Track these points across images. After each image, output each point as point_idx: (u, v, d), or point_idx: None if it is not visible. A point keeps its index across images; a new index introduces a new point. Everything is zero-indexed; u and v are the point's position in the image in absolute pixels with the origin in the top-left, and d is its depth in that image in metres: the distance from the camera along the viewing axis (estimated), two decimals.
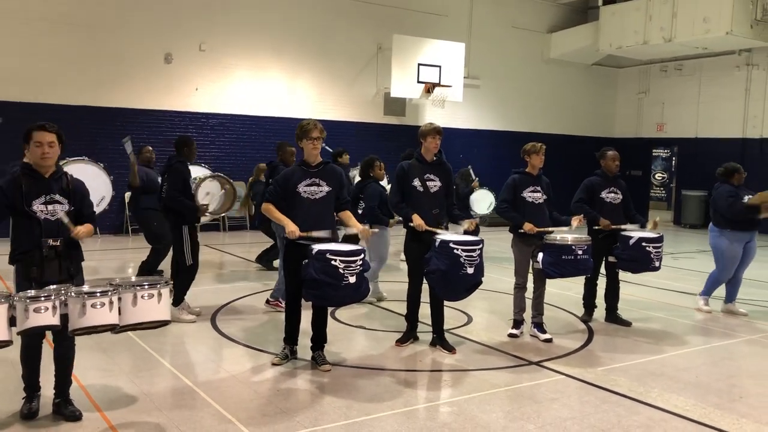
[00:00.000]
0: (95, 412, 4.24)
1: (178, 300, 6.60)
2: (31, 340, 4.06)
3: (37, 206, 4.02)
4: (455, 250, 5.30)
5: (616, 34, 17.04)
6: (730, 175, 7.48)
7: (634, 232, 6.70)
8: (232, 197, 7.13)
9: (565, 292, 8.06)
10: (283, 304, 5.63)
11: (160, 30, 13.50)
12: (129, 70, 13.23)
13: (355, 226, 5.35)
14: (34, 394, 4.19)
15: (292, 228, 5.02)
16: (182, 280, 6.65)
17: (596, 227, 6.74)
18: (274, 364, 5.29)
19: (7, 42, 12.05)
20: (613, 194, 6.88)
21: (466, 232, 5.75)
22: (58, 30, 12.49)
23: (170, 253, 7.05)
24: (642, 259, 6.61)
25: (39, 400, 4.21)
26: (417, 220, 5.58)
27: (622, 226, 6.76)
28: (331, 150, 8.56)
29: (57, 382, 4.19)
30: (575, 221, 6.31)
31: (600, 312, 7.07)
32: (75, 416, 4.11)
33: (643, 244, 6.57)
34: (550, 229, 6.18)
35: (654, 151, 19.24)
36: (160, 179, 7.49)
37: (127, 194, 10.38)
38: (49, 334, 4.02)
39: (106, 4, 12.96)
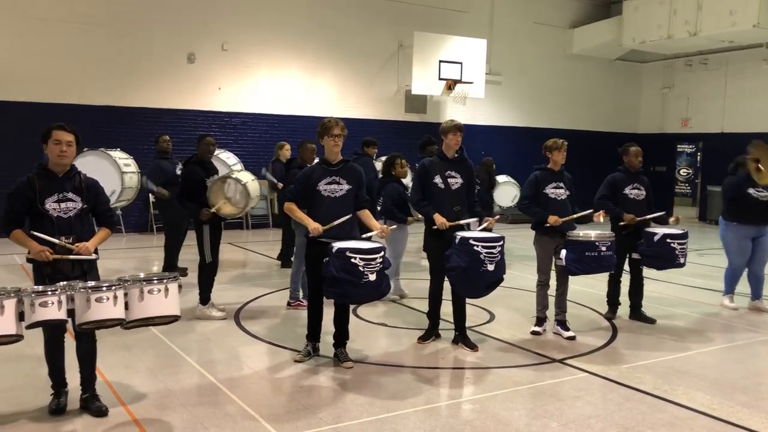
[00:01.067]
0: (120, 408, 4.30)
1: (204, 300, 6.68)
2: (52, 335, 4.16)
3: (50, 204, 4.11)
4: (475, 247, 5.29)
5: (640, 29, 16.83)
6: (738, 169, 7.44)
7: (658, 228, 6.64)
8: (246, 197, 7.04)
9: (588, 290, 8.00)
10: (305, 302, 5.64)
11: (184, 30, 13.62)
12: (152, 70, 13.38)
13: (374, 227, 5.32)
14: (62, 390, 4.28)
15: (314, 226, 5.05)
16: (203, 278, 6.71)
17: (621, 223, 6.69)
18: (296, 361, 5.32)
19: (30, 43, 12.23)
20: (636, 190, 6.81)
21: (483, 230, 5.74)
22: (82, 31, 12.65)
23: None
24: (666, 256, 6.54)
25: (66, 396, 4.28)
26: (439, 219, 5.57)
27: (647, 217, 6.69)
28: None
29: (82, 378, 4.27)
30: (597, 217, 6.29)
31: (624, 309, 7.01)
32: (102, 412, 4.18)
33: (668, 240, 6.49)
34: (575, 216, 6.12)
35: (679, 146, 18.98)
36: (177, 170, 8.11)
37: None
38: (71, 330, 4.09)
39: (130, 4, 13.10)
